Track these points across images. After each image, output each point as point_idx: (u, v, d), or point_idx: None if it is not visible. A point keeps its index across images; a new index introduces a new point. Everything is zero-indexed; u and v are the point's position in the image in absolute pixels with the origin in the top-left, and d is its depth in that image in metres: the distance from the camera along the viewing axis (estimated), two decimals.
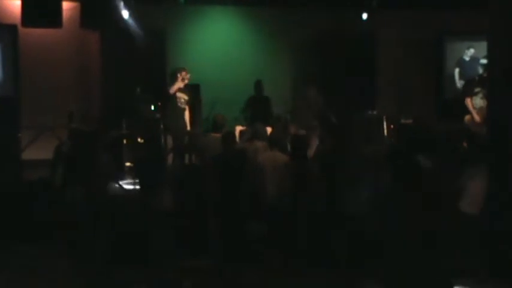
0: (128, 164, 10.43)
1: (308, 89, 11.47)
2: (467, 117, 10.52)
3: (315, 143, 10.51)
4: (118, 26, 11.74)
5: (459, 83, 13.89)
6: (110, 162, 8.55)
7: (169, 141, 10.85)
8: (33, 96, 11.73)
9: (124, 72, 11.94)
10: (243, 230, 7.15)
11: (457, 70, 13.96)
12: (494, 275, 6.79)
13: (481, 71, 12.82)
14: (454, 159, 7.36)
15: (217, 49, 13.09)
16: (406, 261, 4.93)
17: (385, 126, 11.78)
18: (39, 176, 9.15)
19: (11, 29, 11.61)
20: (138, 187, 8.81)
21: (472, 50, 13.75)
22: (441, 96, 14.01)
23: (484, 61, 12.87)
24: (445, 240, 4.94)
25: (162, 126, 10.65)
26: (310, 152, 9.51)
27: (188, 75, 10.58)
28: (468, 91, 10.77)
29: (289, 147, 9.62)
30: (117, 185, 9.31)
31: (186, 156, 10.60)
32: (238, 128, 10.95)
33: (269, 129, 9.59)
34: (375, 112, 12.44)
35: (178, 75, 10.62)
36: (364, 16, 12.94)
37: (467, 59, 13.86)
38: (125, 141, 10.46)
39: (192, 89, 10.94)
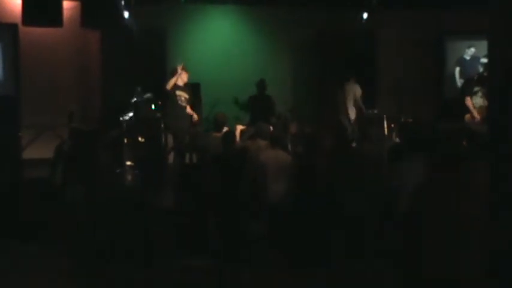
0: (128, 163, 10.44)
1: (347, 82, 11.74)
2: (467, 116, 10.53)
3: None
4: (118, 26, 11.74)
5: (459, 82, 13.89)
6: (110, 161, 8.56)
7: (170, 140, 10.86)
8: (34, 96, 11.72)
9: (124, 71, 11.94)
10: (243, 229, 7.14)
11: (457, 69, 13.96)
12: (494, 275, 6.80)
13: (481, 70, 12.83)
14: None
15: (217, 48, 13.09)
16: (407, 261, 4.94)
17: (385, 126, 11.78)
18: (39, 175, 9.17)
19: (12, 28, 11.60)
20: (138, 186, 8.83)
21: (472, 49, 13.75)
22: (442, 96, 14.01)
23: (484, 60, 12.89)
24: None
25: (162, 125, 10.64)
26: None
27: (185, 73, 10.59)
28: (468, 90, 10.79)
29: (289, 146, 9.66)
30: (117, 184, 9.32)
31: (187, 156, 10.60)
32: (239, 127, 10.95)
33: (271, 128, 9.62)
34: (375, 111, 12.43)
35: (177, 72, 10.66)
36: (365, 16, 12.94)
37: (467, 58, 13.86)
38: (125, 141, 10.45)
39: (192, 88, 10.94)
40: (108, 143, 9.11)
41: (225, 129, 8.85)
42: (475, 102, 10.51)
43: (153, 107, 10.62)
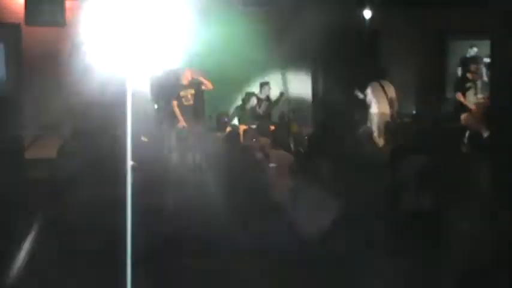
0: (131, 163, 10.45)
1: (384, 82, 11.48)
2: (463, 116, 10.44)
3: None
4: None
5: None
6: (114, 161, 8.56)
7: (173, 139, 10.88)
8: (36, 95, 11.73)
9: None
10: (247, 229, 7.15)
11: (459, 69, 13.95)
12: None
13: (484, 70, 12.86)
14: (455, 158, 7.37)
15: (221, 47, 13.09)
16: (408, 261, 4.95)
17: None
18: (42, 176, 9.18)
19: (14, 27, 11.62)
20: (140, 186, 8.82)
21: (475, 49, 13.75)
22: (444, 95, 14.01)
23: (487, 60, 12.90)
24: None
25: (165, 125, 10.66)
26: None
27: (188, 71, 10.67)
28: (459, 87, 10.80)
29: (292, 146, 9.66)
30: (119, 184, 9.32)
31: (190, 156, 10.61)
32: (242, 127, 10.97)
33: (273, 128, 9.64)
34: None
35: (181, 73, 10.70)
36: (367, 14, 12.94)
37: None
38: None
39: (195, 86, 10.95)
40: (112, 142, 9.10)
41: (228, 129, 8.86)
42: (469, 99, 10.54)
43: (156, 106, 10.65)
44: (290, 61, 13.54)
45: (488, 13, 7.16)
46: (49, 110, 11.52)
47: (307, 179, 7.54)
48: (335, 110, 11.80)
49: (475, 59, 11.60)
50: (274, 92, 12.41)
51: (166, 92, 10.99)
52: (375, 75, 11.84)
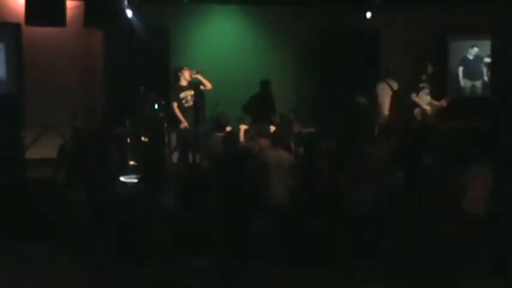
0: (131, 162, 10.43)
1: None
2: (416, 111, 11.11)
3: None
4: (122, 25, 11.74)
5: (463, 82, 13.90)
6: (113, 161, 8.56)
7: (174, 140, 10.87)
8: (37, 95, 11.72)
9: (128, 71, 11.94)
10: (247, 228, 7.14)
11: (460, 69, 13.95)
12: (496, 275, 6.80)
13: (484, 69, 12.83)
14: (456, 158, 7.36)
15: (221, 48, 13.08)
16: (408, 261, 4.94)
17: None
18: (42, 175, 9.17)
19: (15, 27, 11.60)
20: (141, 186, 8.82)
21: (475, 49, 13.75)
22: (444, 95, 13.98)
23: (487, 60, 12.90)
24: (448, 240, 4.94)
25: (165, 125, 10.64)
26: None
27: (187, 71, 10.66)
28: (414, 88, 11.14)
29: (292, 145, 9.65)
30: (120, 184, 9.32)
31: (190, 156, 10.60)
32: (243, 127, 10.94)
33: (273, 128, 9.62)
34: None
35: (179, 74, 10.68)
36: (368, 15, 12.92)
37: (471, 57, 13.85)
38: (128, 140, 10.46)
39: (195, 87, 10.93)
40: (111, 142, 9.09)
41: (228, 129, 8.84)
42: (424, 99, 11.13)
43: (156, 106, 10.63)
44: (290, 61, 13.53)
45: (488, 13, 7.17)
46: (49, 110, 11.53)
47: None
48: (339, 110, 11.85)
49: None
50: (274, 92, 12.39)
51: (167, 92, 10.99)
52: (381, 75, 12.00)
